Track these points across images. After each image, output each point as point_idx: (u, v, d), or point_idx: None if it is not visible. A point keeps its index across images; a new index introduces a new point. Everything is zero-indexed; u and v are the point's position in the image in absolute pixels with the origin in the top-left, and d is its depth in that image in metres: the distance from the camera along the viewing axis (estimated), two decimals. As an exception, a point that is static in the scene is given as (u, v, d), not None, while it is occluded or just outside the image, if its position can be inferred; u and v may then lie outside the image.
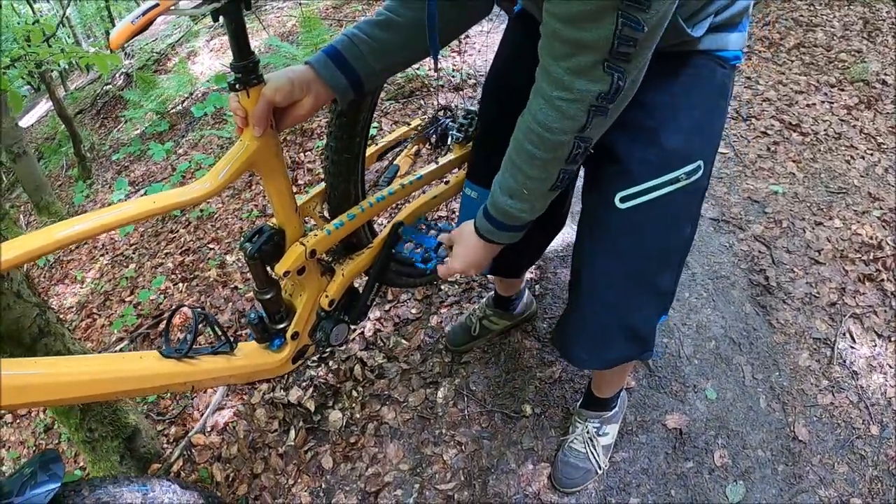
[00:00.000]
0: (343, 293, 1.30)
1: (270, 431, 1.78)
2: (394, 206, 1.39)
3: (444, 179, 1.49)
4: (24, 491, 0.74)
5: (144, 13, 0.79)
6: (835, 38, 4.04)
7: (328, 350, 1.79)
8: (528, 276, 2.08)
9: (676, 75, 0.98)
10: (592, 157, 0.98)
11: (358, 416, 1.77)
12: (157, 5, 0.80)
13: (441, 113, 1.54)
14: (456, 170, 1.53)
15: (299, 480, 1.65)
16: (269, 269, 1.14)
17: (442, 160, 1.47)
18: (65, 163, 5.72)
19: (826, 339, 1.90)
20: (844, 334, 1.92)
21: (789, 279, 2.11)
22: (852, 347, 1.88)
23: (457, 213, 1.77)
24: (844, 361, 1.84)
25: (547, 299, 2.03)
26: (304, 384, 1.87)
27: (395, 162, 1.49)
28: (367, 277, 1.38)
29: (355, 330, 2.00)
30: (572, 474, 1.53)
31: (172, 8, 0.81)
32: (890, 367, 1.83)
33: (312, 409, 1.78)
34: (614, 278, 1.09)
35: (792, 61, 3.76)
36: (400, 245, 1.36)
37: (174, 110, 5.17)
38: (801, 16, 4.38)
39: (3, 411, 2.37)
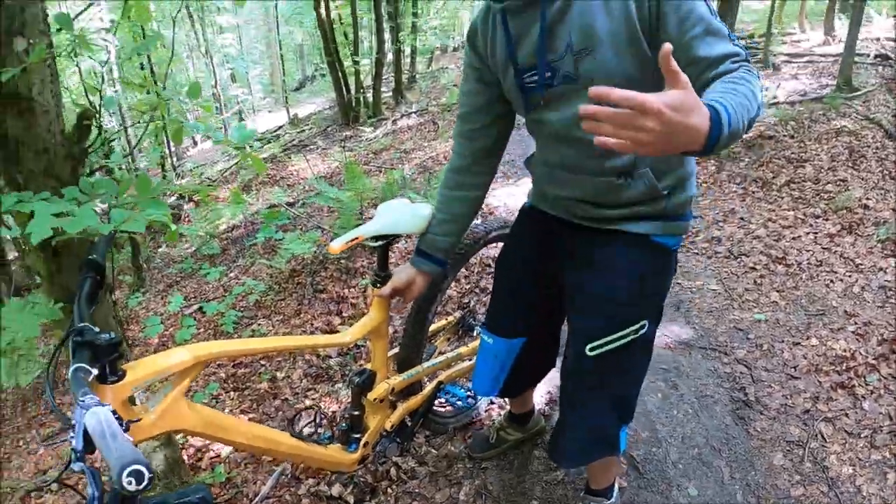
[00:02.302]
0: (399, 422, 1.88)
1: (316, 523, 2.13)
2: (439, 370, 2.11)
3: (470, 358, 2.18)
4: None
5: (354, 238, 1.55)
6: (822, 170, 4.46)
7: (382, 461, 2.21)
8: (538, 398, 2.47)
9: (629, 254, 1.42)
10: (573, 318, 1.54)
11: (392, 511, 2.11)
12: (357, 238, 1.55)
13: (467, 314, 2.42)
14: None
15: (342, 567, 1.98)
16: (362, 396, 1.71)
17: (471, 344, 2.22)
18: (117, 269, 6.24)
19: (799, 441, 2.17)
20: (816, 436, 2.19)
21: (767, 393, 2.41)
22: (824, 446, 2.13)
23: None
24: (816, 458, 2.09)
25: (554, 418, 2.39)
26: (345, 481, 2.21)
27: (434, 343, 2.31)
28: (412, 414, 2.00)
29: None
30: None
31: (365, 240, 1.58)
32: (860, 459, 2.07)
33: (352, 502, 2.12)
34: (587, 403, 1.55)
35: (782, 197, 4.20)
36: (441, 394, 2.07)
37: (225, 235, 5.82)
38: (792, 153, 4.85)
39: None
